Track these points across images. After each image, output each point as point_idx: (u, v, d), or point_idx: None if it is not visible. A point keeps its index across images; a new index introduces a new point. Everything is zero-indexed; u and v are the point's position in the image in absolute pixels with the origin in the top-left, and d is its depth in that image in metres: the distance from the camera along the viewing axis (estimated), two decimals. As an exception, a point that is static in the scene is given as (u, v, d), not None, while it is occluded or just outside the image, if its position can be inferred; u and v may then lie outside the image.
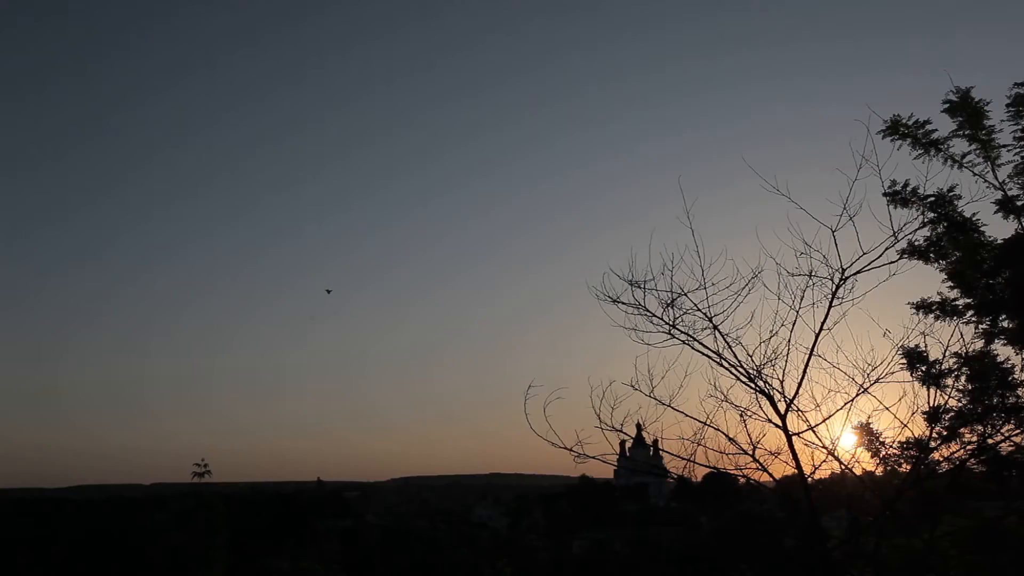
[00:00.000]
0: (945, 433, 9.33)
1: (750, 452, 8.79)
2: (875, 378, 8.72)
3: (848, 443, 9.51)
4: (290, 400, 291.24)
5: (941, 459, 9.50)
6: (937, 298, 10.10)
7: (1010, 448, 9.33)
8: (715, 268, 8.81)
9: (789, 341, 8.66)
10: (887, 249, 8.78)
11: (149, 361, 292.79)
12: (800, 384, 8.64)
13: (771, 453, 8.83)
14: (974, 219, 9.73)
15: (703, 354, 8.95)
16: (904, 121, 9.86)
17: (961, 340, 9.45)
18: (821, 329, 8.71)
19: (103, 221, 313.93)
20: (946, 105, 9.79)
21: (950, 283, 10.00)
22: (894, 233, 8.85)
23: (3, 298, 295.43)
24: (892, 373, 8.86)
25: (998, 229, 9.78)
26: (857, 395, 8.76)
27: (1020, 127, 9.53)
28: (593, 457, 8.98)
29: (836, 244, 8.76)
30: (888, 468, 9.82)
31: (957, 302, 10.01)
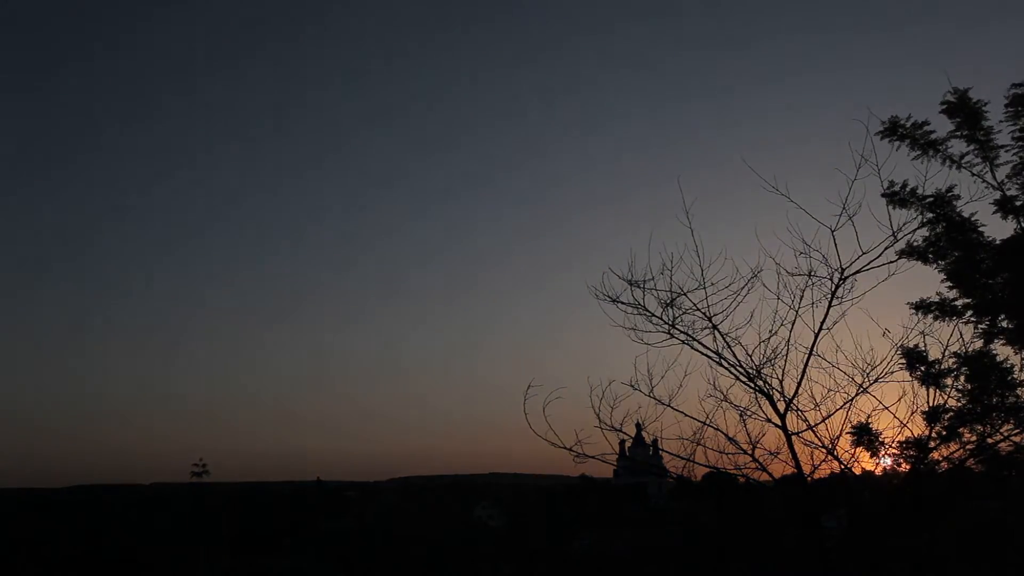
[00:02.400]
0: (944, 433, 9.35)
1: (749, 452, 8.81)
2: (874, 378, 8.75)
3: (847, 443, 9.53)
4: (290, 399, 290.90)
5: (941, 459, 9.51)
6: (936, 298, 10.11)
7: (1010, 448, 9.35)
8: (714, 268, 8.85)
9: (788, 341, 8.70)
10: (886, 249, 8.82)
11: (148, 361, 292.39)
12: (799, 384, 8.67)
13: (770, 453, 8.85)
14: (973, 219, 9.76)
15: (703, 354, 8.98)
16: (903, 122, 9.89)
17: (960, 340, 9.47)
18: (820, 329, 8.75)
19: (99, 218, 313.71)
20: (944, 106, 9.82)
21: (949, 283, 10.01)
22: (893, 233, 8.89)
23: (3, 298, 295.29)
24: (891, 373, 8.90)
25: (997, 229, 9.81)
26: (856, 395, 8.79)
27: (1018, 127, 9.55)
28: (593, 457, 9.00)
29: (835, 244, 8.81)
30: (888, 468, 9.84)
31: (956, 302, 10.02)
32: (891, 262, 8.88)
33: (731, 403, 8.85)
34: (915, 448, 9.38)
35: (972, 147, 9.74)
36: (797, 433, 8.73)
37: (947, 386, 9.42)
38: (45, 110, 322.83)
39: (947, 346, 9.41)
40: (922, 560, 9.45)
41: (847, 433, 9.19)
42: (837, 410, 8.75)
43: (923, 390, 9.31)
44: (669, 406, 8.80)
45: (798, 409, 8.75)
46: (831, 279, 8.79)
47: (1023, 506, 10.00)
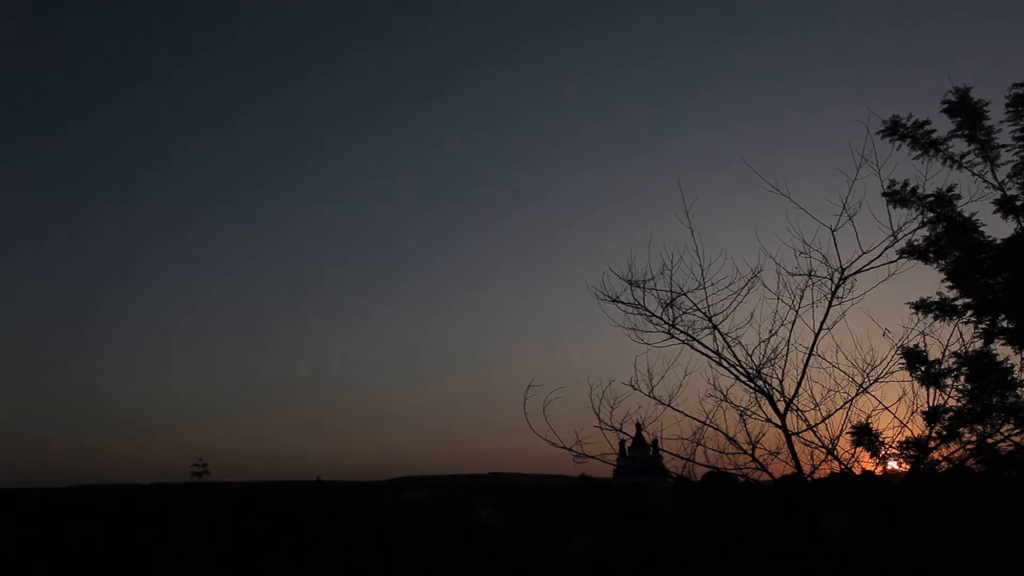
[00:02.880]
0: (944, 433, 9.35)
1: (749, 452, 8.82)
2: (874, 378, 8.76)
3: (847, 443, 9.54)
4: (290, 399, 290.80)
5: (941, 459, 9.52)
6: (936, 298, 10.13)
7: (1010, 448, 9.35)
8: (715, 268, 8.88)
9: (788, 341, 8.72)
10: (886, 249, 8.83)
11: (149, 360, 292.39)
12: (799, 384, 8.68)
13: (770, 453, 8.86)
14: (973, 219, 9.78)
15: (703, 354, 8.99)
16: (903, 122, 9.91)
17: (960, 340, 9.49)
18: (820, 329, 8.76)
19: (96, 215, 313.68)
20: (945, 105, 9.84)
21: (949, 283, 10.03)
22: (893, 233, 8.90)
23: (3, 296, 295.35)
24: (891, 373, 8.91)
25: (997, 229, 9.84)
26: (856, 395, 8.79)
27: (1019, 127, 9.57)
28: (593, 457, 9.01)
29: (835, 244, 8.82)
30: (887, 468, 9.84)
31: (956, 302, 10.04)
32: (891, 262, 8.90)
33: (731, 403, 8.88)
34: (915, 448, 9.39)
35: (973, 147, 9.77)
36: (797, 433, 8.74)
37: (947, 386, 9.43)
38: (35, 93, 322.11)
39: (947, 346, 9.44)
40: (922, 561, 9.45)
41: (847, 433, 9.20)
42: (837, 410, 8.76)
43: (923, 390, 9.32)
44: (669, 406, 8.82)
45: (798, 409, 8.76)
46: (831, 279, 8.80)
47: (1023, 506, 10.00)
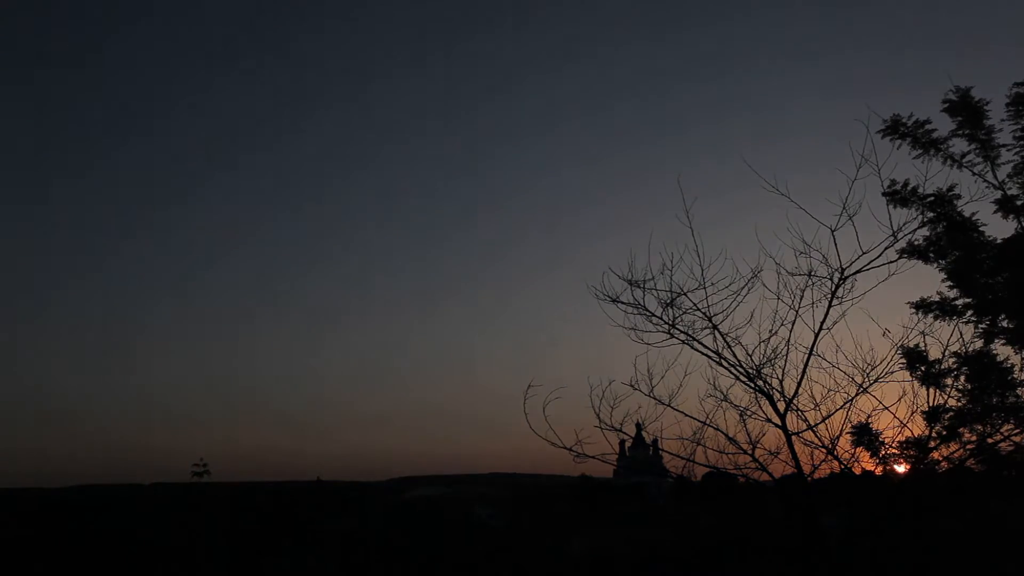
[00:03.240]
0: (944, 433, 9.35)
1: (749, 452, 8.80)
2: (875, 378, 8.73)
3: (847, 443, 9.52)
4: (290, 399, 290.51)
5: (941, 459, 9.51)
6: (936, 298, 10.12)
7: (1010, 448, 9.34)
8: (715, 268, 8.85)
9: (788, 341, 8.69)
10: (886, 249, 8.79)
11: (149, 360, 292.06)
12: (799, 384, 8.66)
13: (770, 453, 8.83)
14: (973, 219, 9.78)
15: (703, 354, 8.97)
16: (904, 121, 9.91)
17: (961, 340, 9.48)
18: (820, 329, 8.73)
19: (103, 224, 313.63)
20: (946, 105, 9.83)
21: (949, 283, 10.03)
22: (893, 233, 8.86)
23: (5, 299, 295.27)
24: (892, 373, 8.87)
25: (997, 229, 9.84)
26: (857, 395, 8.77)
27: (1020, 126, 9.56)
28: (593, 457, 8.98)
29: (835, 244, 8.79)
30: (887, 468, 9.83)
31: (957, 302, 10.03)
32: (891, 262, 8.87)
33: (731, 403, 8.85)
34: (915, 448, 9.38)
35: (973, 146, 9.77)
36: (797, 433, 8.72)
37: (947, 386, 9.42)
38: (80, 100, 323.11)
39: (947, 346, 9.43)
40: (922, 561, 9.44)
41: (847, 433, 9.18)
42: (837, 410, 8.73)
43: (923, 390, 9.31)
44: (669, 406, 8.79)
45: (798, 409, 8.74)
46: (831, 279, 8.78)
47: (1023, 506, 9.99)
